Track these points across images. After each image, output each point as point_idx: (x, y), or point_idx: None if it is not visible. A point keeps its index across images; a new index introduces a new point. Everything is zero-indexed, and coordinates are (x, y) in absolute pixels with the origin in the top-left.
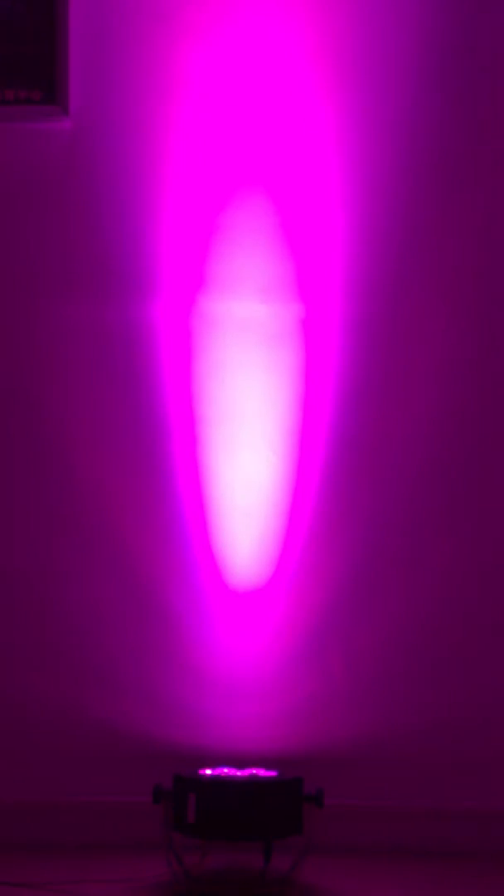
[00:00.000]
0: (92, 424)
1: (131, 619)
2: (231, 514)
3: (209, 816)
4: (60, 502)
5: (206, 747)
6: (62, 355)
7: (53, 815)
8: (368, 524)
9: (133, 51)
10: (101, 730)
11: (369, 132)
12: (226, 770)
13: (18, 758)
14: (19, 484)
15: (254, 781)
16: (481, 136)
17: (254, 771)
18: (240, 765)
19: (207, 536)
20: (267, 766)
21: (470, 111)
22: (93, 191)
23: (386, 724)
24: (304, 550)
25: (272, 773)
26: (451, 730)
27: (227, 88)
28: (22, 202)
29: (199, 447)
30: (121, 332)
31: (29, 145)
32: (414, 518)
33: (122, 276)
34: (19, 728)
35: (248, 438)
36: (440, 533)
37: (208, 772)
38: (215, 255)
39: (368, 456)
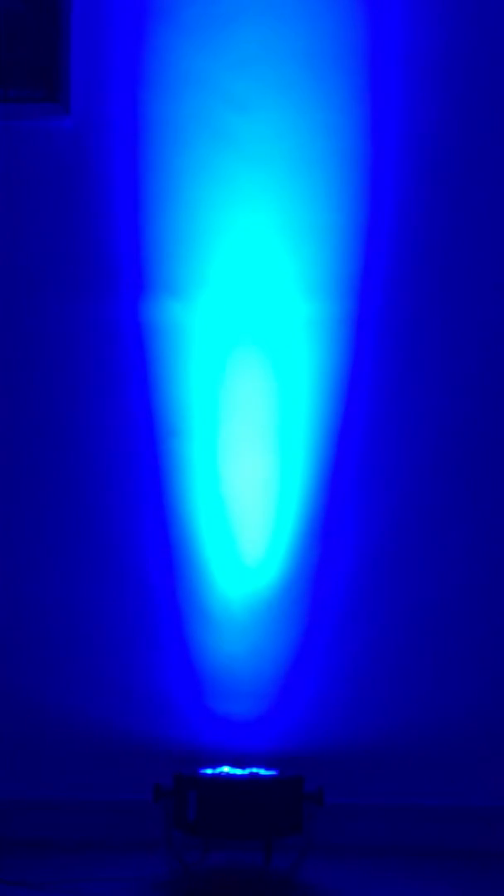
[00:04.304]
0: (94, 424)
1: (132, 618)
2: (232, 514)
3: (210, 815)
4: (61, 502)
5: (206, 746)
6: (61, 352)
7: (54, 814)
8: (369, 525)
9: (134, 50)
10: (102, 728)
11: (369, 129)
12: (226, 769)
13: (19, 756)
14: (19, 484)
15: (254, 780)
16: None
17: (254, 770)
18: (240, 764)
19: (208, 536)
20: (267, 765)
21: (486, 108)
22: (93, 189)
23: (386, 723)
24: (305, 551)
25: (272, 772)
26: (452, 728)
27: (227, 87)
28: (23, 200)
29: (202, 446)
30: (120, 330)
31: (30, 143)
32: (415, 520)
33: (122, 274)
34: (20, 727)
35: (251, 438)
36: (442, 534)
37: (209, 771)
38: (217, 254)
39: (371, 456)
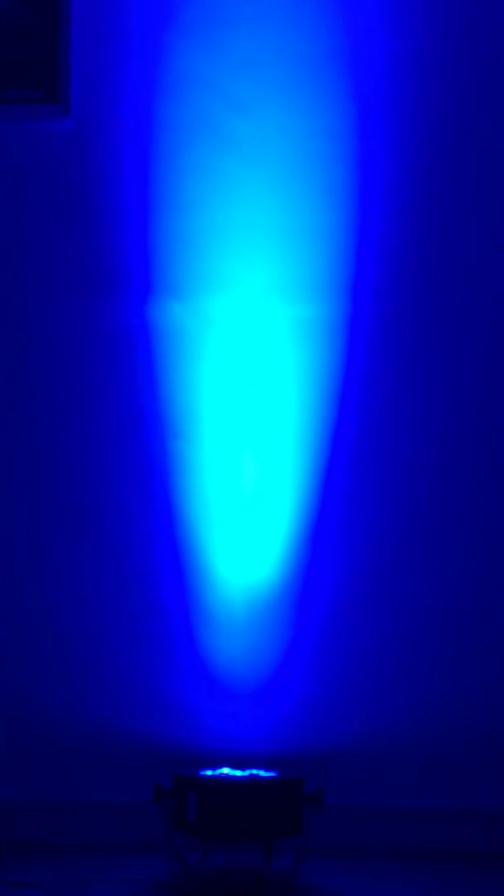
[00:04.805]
0: (98, 426)
1: (132, 619)
2: (232, 515)
3: (209, 816)
4: (66, 502)
5: (206, 747)
6: (61, 352)
7: (54, 814)
8: (369, 527)
9: (134, 50)
10: (102, 729)
11: (369, 131)
12: (226, 770)
13: (19, 757)
14: (25, 484)
15: (254, 781)
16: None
17: (254, 771)
18: (240, 765)
19: (208, 537)
20: (267, 766)
21: (483, 109)
22: (93, 190)
23: (386, 724)
24: (304, 552)
25: (272, 773)
26: (452, 729)
27: (227, 88)
28: (23, 200)
29: (204, 447)
30: (120, 330)
31: (30, 144)
32: (406, 521)
33: (122, 274)
34: (20, 727)
35: (250, 439)
36: (433, 534)
37: (209, 772)
38: (217, 254)
39: (371, 459)
